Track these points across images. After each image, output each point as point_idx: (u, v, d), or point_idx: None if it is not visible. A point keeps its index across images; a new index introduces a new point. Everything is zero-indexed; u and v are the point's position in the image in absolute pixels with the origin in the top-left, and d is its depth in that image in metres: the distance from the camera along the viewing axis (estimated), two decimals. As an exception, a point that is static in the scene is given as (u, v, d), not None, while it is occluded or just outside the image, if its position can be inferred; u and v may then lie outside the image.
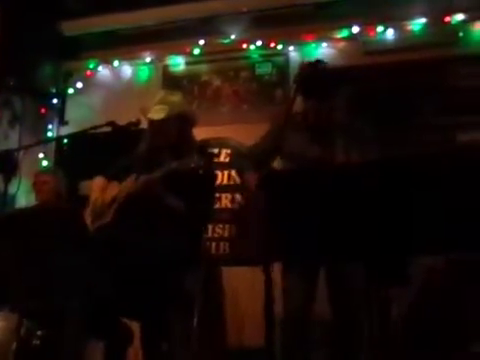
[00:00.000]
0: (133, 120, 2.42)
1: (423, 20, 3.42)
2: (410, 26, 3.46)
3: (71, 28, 4.01)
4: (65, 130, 4.02)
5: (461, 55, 3.34)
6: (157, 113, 2.36)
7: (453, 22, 3.38)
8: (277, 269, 2.14)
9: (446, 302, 2.31)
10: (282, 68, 3.71)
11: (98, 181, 2.51)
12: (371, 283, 2.25)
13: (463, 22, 3.38)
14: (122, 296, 2.14)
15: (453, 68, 3.32)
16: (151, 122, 2.40)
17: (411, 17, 3.44)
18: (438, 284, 2.37)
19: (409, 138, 3.17)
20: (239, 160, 3.40)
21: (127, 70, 4.08)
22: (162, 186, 2.25)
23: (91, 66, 4.10)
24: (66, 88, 4.15)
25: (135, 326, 2.34)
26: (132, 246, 2.23)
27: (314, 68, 2.37)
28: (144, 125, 2.47)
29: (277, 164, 2.56)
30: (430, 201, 1.53)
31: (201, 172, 2.26)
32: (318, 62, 2.44)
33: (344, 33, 3.56)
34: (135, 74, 4.05)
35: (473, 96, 3.18)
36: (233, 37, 3.75)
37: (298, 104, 2.41)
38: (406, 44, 3.44)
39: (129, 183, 2.37)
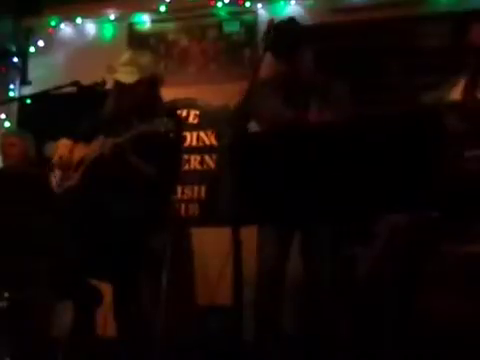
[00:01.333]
0: (98, 80, 2.36)
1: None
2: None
3: (30, -18, 3.83)
4: (27, 90, 3.88)
5: (427, 14, 3.34)
6: (126, 76, 2.30)
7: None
8: (248, 230, 2.17)
9: (408, 257, 2.39)
10: (250, 26, 3.64)
11: (64, 143, 2.46)
12: (339, 240, 2.31)
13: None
14: (90, 258, 2.14)
15: (419, 27, 3.32)
16: (118, 83, 2.34)
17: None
18: (401, 240, 2.45)
19: (375, 98, 3.19)
20: (216, 123, 3.38)
21: (91, 28, 3.93)
22: (129, 150, 2.22)
23: (53, 23, 3.93)
24: (27, 46, 3.98)
25: (106, 287, 2.35)
26: (100, 208, 2.21)
27: (287, 27, 2.35)
28: (110, 85, 2.41)
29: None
30: (393, 160, 1.55)
31: (171, 136, 2.24)
32: (290, 21, 2.42)
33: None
34: (99, 32, 3.91)
35: (438, 56, 3.20)
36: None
37: (271, 65, 2.39)
38: (373, 2, 3.40)
39: (96, 145, 2.33)
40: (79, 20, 3.90)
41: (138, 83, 2.30)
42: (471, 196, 2.06)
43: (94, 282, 2.32)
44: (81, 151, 2.39)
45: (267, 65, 2.33)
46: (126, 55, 2.39)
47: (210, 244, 3.15)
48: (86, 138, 2.40)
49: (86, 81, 2.36)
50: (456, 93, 2.32)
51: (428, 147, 1.55)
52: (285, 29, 2.33)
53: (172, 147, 2.36)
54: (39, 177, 2.30)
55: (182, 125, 2.63)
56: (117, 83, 2.35)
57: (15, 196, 2.21)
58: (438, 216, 2.16)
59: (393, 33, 3.32)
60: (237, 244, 1.83)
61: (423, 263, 2.30)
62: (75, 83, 2.35)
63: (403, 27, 3.33)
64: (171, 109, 2.51)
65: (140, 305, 2.29)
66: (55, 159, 2.39)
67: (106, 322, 2.43)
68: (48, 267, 2.12)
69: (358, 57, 3.31)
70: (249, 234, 2.21)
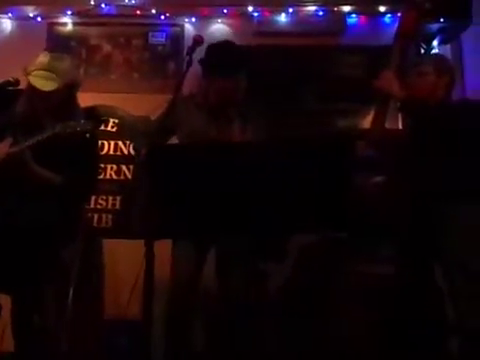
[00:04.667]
0: (11, 79, 2.26)
1: (314, 7, 3.55)
2: (302, 12, 3.57)
3: None
4: None
5: (346, 45, 3.54)
6: (43, 82, 2.20)
7: (341, 12, 3.55)
8: (162, 243, 2.15)
9: (317, 275, 2.49)
10: (176, 40, 3.64)
11: None
12: (251, 258, 2.35)
13: (351, 13, 3.56)
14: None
15: (337, 56, 3.52)
16: (33, 87, 2.24)
17: (304, 3, 3.55)
18: (311, 259, 2.54)
19: (293, 121, 3.32)
20: (133, 133, 3.33)
21: (6, 24, 3.74)
22: (29, 158, 2.12)
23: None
24: None
25: (4, 298, 2.21)
26: (3, 214, 2.10)
27: (224, 47, 2.40)
28: (23, 85, 2.31)
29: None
30: (304, 182, 1.62)
31: (88, 136, 2.18)
32: (227, 42, 2.48)
33: (239, 11, 3.58)
34: (16, 30, 3.73)
35: (353, 85, 3.40)
36: (126, 2, 3.60)
37: (195, 81, 2.42)
38: (297, 29, 3.54)
39: (4, 147, 2.20)
40: (-6, 15, 3.70)
41: (55, 90, 2.22)
42: (375, 219, 2.19)
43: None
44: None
45: (191, 80, 2.35)
46: (44, 58, 2.28)
47: (123, 257, 3.08)
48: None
49: (-1, 79, 2.26)
50: (368, 121, 2.47)
51: (337, 171, 1.63)
52: (221, 50, 2.39)
53: (88, 149, 2.29)
54: None
55: (100, 125, 2.55)
56: (31, 86, 2.25)
57: None
58: (345, 237, 2.27)
59: (312, 60, 3.48)
60: (150, 258, 1.81)
61: (330, 282, 2.40)
62: (-16, 81, 2.23)
63: (322, 55, 3.50)
64: (90, 111, 2.45)
65: (42, 319, 2.18)
66: None
67: (3, 336, 2.29)
68: None
69: (278, 81, 3.44)
70: (163, 247, 2.20)
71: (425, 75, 2.33)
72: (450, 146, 2.15)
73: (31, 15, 3.68)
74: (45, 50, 3.19)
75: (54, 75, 2.21)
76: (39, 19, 3.69)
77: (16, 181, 2.15)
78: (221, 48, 2.40)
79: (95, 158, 2.45)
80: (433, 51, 3.40)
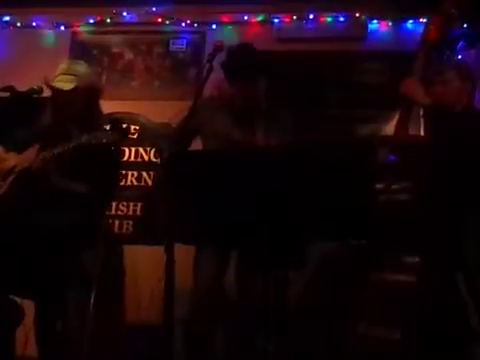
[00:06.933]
0: (35, 87, 2.29)
1: (335, 13, 3.54)
2: (323, 18, 3.56)
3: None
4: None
5: (367, 51, 3.52)
6: (64, 83, 2.26)
7: (362, 18, 3.53)
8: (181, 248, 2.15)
9: (338, 285, 2.46)
10: (197, 47, 3.67)
11: None
12: (270, 265, 2.34)
13: (372, 18, 3.54)
14: (13, 274, 2.04)
15: (358, 62, 3.50)
16: (57, 92, 2.29)
17: (325, 9, 3.55)
18: (332, 266, 2.51)
19: (315, 126, 3.30)
20: (156, 139, 3.36)
21: (32, 33, 3.81)
22: (58, 166, 2.15)
23: (-9, 26, 3.79)
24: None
25: (27, 304, 2.24)
26: (26, 221, 2.13)
27: (243, 51, 2.40)
28: (47, 93, 2.35)
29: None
30: (327, 188, 1.60)
31: (113, 148, 2.21)
32: (246, 45, 2.49)
33: (260, 18, 3.60)
34: (41, 38, 3.80)
35: (375, 90, 3.37)
36: (148, 9, 3.64)
37: (218, 86, 2.43)
38: (318, 35, 3.54)
39: (31, 154, 2.25)
40: (19, 24, 3.77)
41: (75, 90, 2.26)
42: (397, 226, 2.16)
43: (15, 298, 2.21)
44: (13, 160, 2.30)
45: (212, 85, 2.36)
46: (63, 65, 2.36)
47: (143, 262, 3.09)
48: (19, 147, 2.32)
49: (24, 88, 2.29)
50: (390, 127, 2.44)
51: (360, 177, 1.61)
52: (242, 53, 2.39)
53: (111, 159, 2.33)
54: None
55: (126, 138, 2.60)
56: (54, 91, 2.29)
57: None
58: (367, 244, 2.24)
59: (333, 66, 3.47)
60: (170, 263, 1.81)
61: (350, 290, 2.37)
62: (9, 88, 2.27)
63: (343, 62, 3.48)
64: (115, 121, 2.48)
65: (64, 324, 2.20)
66: None
67: (27, 341, 2.32)
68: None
69: (299, 88, 3.43)
70: (182, 253, 2.20)
71: (449, 83, 2.30)
72: (475, 152, 2.11)
73: (54, 24, 3.75)
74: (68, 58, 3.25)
75: (73, 77, 2.27)
76: (62, 28, 3.76)
77: (38, 189, 2.18)
78: (241, 52, 2.41)
79: (117, 168, 2.49)
80: (457, 57, 3.36)
